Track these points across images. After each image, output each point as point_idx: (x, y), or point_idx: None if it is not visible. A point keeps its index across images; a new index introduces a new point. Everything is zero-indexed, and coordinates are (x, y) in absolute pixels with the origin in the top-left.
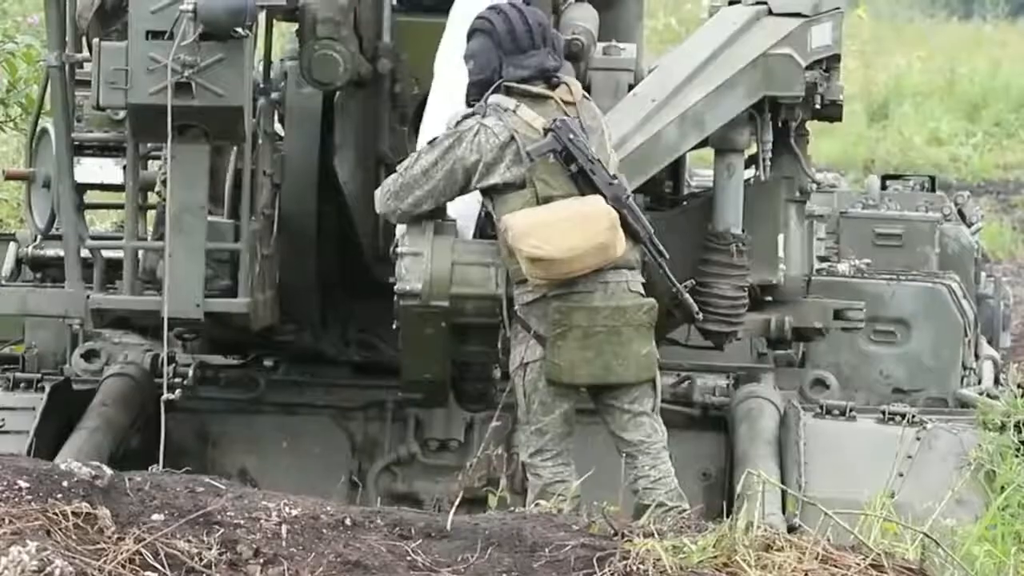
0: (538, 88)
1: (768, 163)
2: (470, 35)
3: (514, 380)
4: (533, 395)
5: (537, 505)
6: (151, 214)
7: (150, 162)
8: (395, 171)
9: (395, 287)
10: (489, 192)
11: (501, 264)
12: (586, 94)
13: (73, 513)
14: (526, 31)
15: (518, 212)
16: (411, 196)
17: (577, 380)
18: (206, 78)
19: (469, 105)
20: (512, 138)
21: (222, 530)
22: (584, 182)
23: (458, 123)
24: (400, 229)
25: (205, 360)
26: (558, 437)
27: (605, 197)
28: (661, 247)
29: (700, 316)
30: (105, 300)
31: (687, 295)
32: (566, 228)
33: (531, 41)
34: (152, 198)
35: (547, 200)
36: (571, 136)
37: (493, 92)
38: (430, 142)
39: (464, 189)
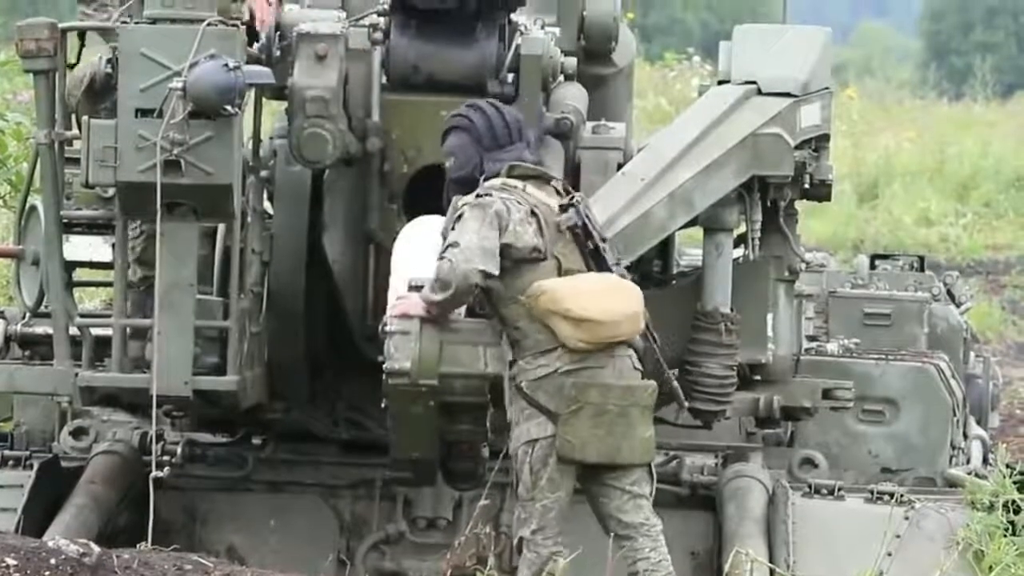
0: (540, 169)
1: (757, 242)
2: (448, 132)
3: (519, 456)
4: (542, 471)
5: None
6: None
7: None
8: (441, 258)
9: (384, 366)
10: (506, 261)
11: (490, 343)
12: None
13: None
14: (504, 127)
15: (552, 280)
16: (481, 255)
17: (587, 458)
18: (195, 156)
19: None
20: (533, 212)
21: None
22: (596, 260)
23: (477, 196)
24: (390, 307)
25: (193, 438)
26: (560, 515)
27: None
28: (655, 335)
29: (687, 405)
30: (93, 378)
31: (676, 384)
32: (604, 295)
33: (509, 137)
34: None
35: (568, 274)
36: (588, 213)
37: (484, 179)
38: (456, 221)
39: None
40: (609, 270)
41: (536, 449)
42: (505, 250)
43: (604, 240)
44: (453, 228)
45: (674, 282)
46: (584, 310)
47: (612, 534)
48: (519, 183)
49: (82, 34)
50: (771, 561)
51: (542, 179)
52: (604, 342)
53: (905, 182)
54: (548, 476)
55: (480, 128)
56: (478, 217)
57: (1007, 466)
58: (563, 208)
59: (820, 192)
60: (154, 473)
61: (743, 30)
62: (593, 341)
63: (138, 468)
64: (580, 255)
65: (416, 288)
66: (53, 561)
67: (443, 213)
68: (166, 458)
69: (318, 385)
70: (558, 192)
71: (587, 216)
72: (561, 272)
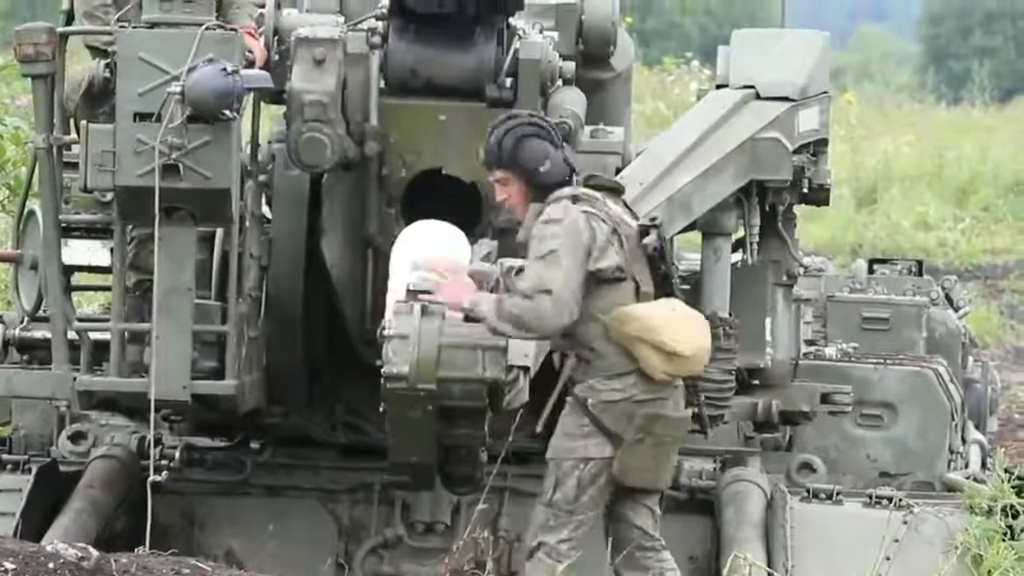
0: (616, 180)
1: (755, 247)
2: (518, 141)
3: (564, 467)
4: (589, 489)
5: None
6: None
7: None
8: (517, 294)
9: (382, 370)
10: (588, 282)
11: (489, 347)
12: None
13: None
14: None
15: (638, 305)
16: (570, 305)
17: (637, 484)
18: (193, 160)
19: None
20: (615, 230)
21: None
22: (665, 284)
23: (555, 219)
24: (388, 312)
25: (192, 442)
26: (588, 530)
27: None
28: None
29: (710, 433)
30: (92, 382)
31: (705, 412)
32: (688, 326)
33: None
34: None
35: (645, 296)
36: (664, 237)
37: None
38: (548, 253)
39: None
40: (677, 296)
41: (589, 467)
42: (589, 275)
43: (673, 264)
44: (546, 255)
45: None
46: (676, 343)
47: (633, 544)
48: (598, 194)
49: (64, 40)
50: (769, 565)
51: (617, 191)
52: (684, 375)
53: (903, 186)
54: (591, 495)
55: (553, 132)
56: (570, 249)
57: (1005, 470)
58: (644, 229)
59: (818, 196)
60: (152, 477)
61: (741, 34)
62: (677, 375)
63: (136, 472)
64: (651, 278)
65: (414, 293)
66: (51, 565)
67: (442, 218)
68: (164, 462)
69: (316, 389)
70: (626, 206)
71: (664, 238)
72: (640, 294)
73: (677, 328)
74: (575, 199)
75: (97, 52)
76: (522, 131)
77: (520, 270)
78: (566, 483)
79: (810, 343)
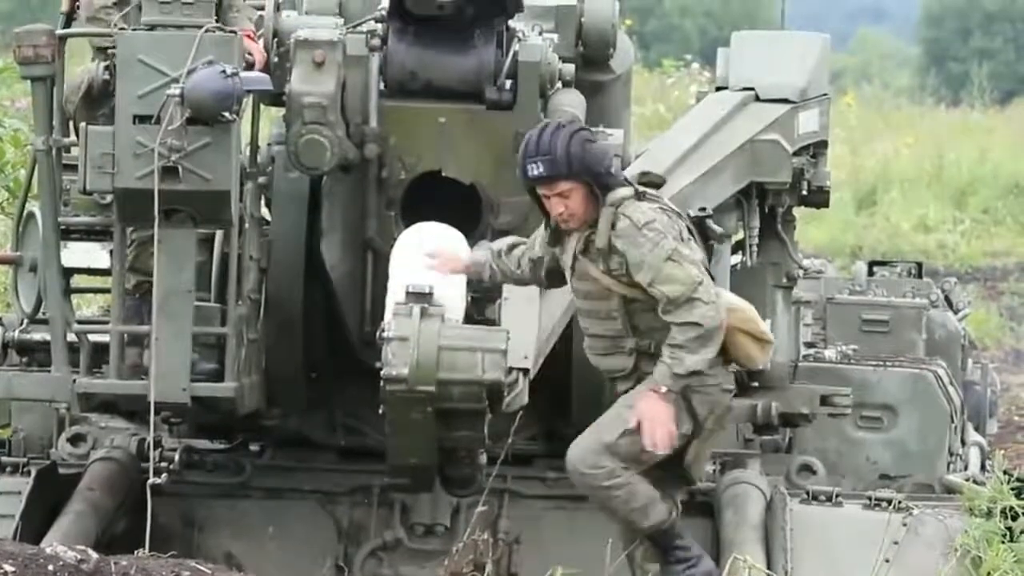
0: (660, 177)
1: (755, 249)
2: (584, 145)
3: (621, 426)
4: (644, 454)
5: None
6: None
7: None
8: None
9: (381, 372)
10: None
11: (488, 349)
12: None
13: None
14: None
15: (733, 297)
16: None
17: (697, 475)
18: (193, 162)
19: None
20: (688, 226)
21: None
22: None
23: (646, 220)
24: (387, 314)
25: (191, 444)
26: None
27: None
28: None
29: None
30: (91, 384)
31: None
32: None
33: None
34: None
35: None
36: None
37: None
38: (672, 253)
39: None
40: None
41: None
42: None
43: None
44: (671, 256)
45: None
46: (769, 332)
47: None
48: (656, 191)
49: (63, 42)
50: (769, 568)
51: (660, 188)
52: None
53: (903, 189)
54: (647, 460)
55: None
56: (682, 242)
57: (1005, 472)
58: (700, 221)
59: (818, 199)
60: (152, 479)
61: (741, 36)
62: (763, 364)
63: (136, 474)
64: None
65: (414, 295)
66: (51, 568)
67: (442, 220)
68: (164, 464)
69: (316, 392)
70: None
71: None
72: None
73: (759, 319)
74: (640, 196)
75: (103, 53)
76: (583, 135)
77: (512, 247)
78: (628, 438)
79: (810, 345)
